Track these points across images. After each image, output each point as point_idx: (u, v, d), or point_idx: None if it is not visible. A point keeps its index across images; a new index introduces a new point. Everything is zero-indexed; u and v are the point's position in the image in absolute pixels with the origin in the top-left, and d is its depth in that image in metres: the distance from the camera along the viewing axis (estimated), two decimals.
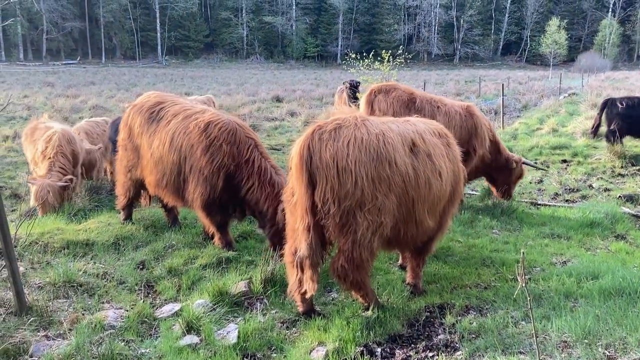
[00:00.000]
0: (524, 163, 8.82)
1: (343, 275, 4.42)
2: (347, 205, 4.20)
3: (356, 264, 4.38)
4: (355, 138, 4.20)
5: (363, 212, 4.23)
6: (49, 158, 7.91)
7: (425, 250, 5.28)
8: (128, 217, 7.29)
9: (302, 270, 4.40)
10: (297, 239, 4.40)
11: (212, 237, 6.44)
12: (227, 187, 5.92)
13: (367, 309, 4.74)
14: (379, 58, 15.25)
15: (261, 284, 5.24)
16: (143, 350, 4.19)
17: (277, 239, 5.77)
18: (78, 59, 79.42)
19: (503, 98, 19.34)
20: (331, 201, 4.18)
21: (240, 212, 6.25)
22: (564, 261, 6.22)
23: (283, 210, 5.60)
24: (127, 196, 7.10)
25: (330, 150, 4.16)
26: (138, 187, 6.98)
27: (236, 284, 5.17)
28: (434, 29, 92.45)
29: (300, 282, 4.42)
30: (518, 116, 21.84)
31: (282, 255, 5.72)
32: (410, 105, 7.92)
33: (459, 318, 4.62)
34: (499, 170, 8.58)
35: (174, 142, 6.06)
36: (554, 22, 66.42)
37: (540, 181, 11.07)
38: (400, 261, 5.96)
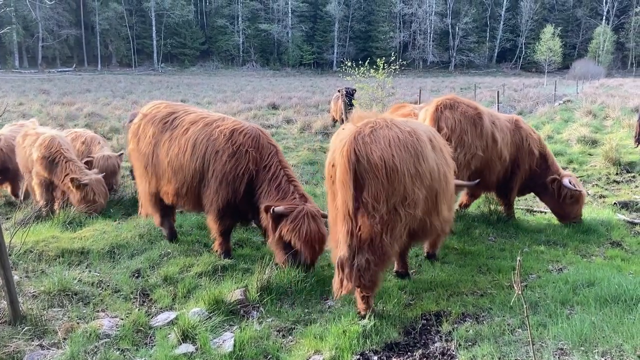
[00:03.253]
0: (562, 184, 7.74)
1: (364, 269, 4.51)
2: (393, 202, 4.46)
3: (382, 259, 4.60)
4: (393, 138, 4.48)
5: (404, 206, 4.51)
6: (63, 160, 8.09)
7: (436, 242, 5.91)
8: (172, 232, 6.91)
9: (343, 271, 4.56)
10: (339, 242, 4.58)
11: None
12: (246, 192, 5.97)
13: (364, 317, 4.73)
14: (374, 66, 15.25)
15: (257, 292, 5.22)
16: (138, 359, 4.17)
17: (274, 247, 5.79)
18: (74, 66, 79.39)
19: (498, 105, 19.41)
20: (383, 199, 4.41)
21: (256, 220, 6.21)
22: (560, 268, 6.22)
23: (270, 209, 5.61)
24: (157, 208, 6.81)
25: (377, 151, 4.39)
26: (158, 197, 6.69)
27: (232, 292, 5.15)
28: (430, 37, 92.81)
29: (342, 282, 4.58)
30: None
31: (277, 264, 5.76)
32: (477, 120, 7.26)
33: (456, 326, 4.61)
34: (545, 187, 7.97)
35: (197, 149, 6.04)
36: (548, 30, 66.73)
37: None
38: (395, 267, 5.96)
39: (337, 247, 4.73)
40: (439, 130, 7.04)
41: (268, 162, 5.96)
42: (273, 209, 5.57)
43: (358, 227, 4.51)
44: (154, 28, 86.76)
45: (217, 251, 6.35)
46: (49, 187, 8.32)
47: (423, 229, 4.97)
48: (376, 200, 4.42)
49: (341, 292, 4.63)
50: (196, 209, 6.52)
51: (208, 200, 6.10)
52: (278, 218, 5.59)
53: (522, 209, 9.02)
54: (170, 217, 6.91)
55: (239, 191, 5.95)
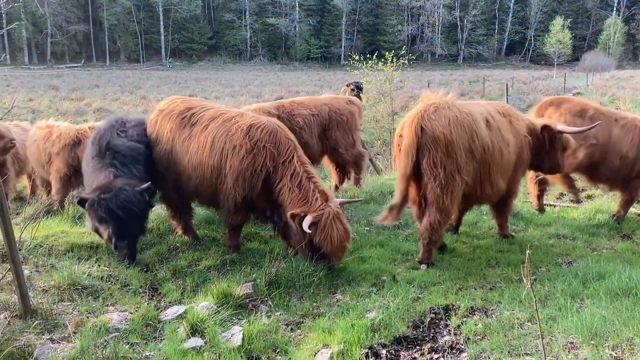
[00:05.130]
0: None
1: (435, 228, 5.74)
2: (450, 170, 5.56)
3: (446, 217, 5.83)
4: (452, 117, 5.53)
5: (460, 173, 5.60)
6: None
7: (505, 209, 6.88)
8: (195, 236, 6.82)
9: (389, 212, 5.92)
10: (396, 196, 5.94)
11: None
12: (263, 188, 5.94)
13: (427, 265, 5.90)
14: (382, 59, 15.12)
15: (265, 285, 5.23)
16: (147, 353, 4.19)
17: (302, 251, 5.73)
18: (82, 62, 79.71)
19: (507, 98, 19.29)
20: (441, 166, 5.52)
21: (278, 216, 6.17)
22: (570, 262, 6.19)
23: (296, 217, 5.58)
24: (177, 211, 6.75)
25: (439, 127, 5.48)
26: (180, 195, 6.61)
27: (240, 286, 5.17)
28: (438, 30, 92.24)
29: (385, 218, 5.98)
30: None
31: (285, 257, 5.75)
32: (583, 115, 7.56)
33: (464, 319, 4.59)
34: None
35: (215, 145, 5.99)
36: (558, 22, 66.18)
37: None
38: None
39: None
40: None
41: (286, 158, 5.90)
42: (303, 220, 5.49)
43: (419, 189, 5.84)
44: (161, 23, 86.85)
45: (227, 245, 6.36)
46: (68, 182, 8.28)
47: (473, 195, 6.08)
48: (435, 167, 5.52)
49: (382, 221, 6.04)
50: (214, 205, 6.45)
51: (224, 196, 6.07)
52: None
53: (530, 203, 8.96)
54: (190, 224, 6.87)
55: (256, 187, 5.92)
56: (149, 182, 5.69)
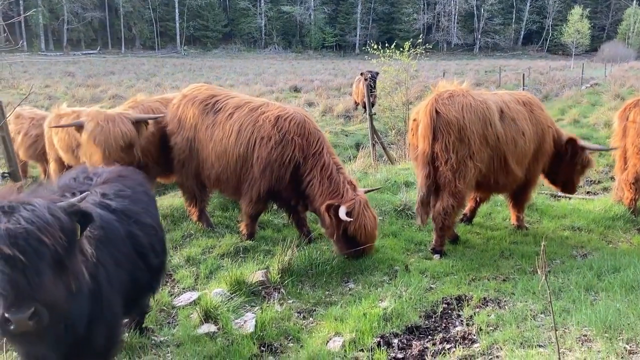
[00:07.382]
0: None
1: (444, 215, 5.76)
2: (462, 155, 5.58)
3: (460, 202, 5.85)
4: (466, 104, 5.59)
5: (472, 159, 5.62)
6: None
7: (522, 199, 6.83)
8: (208, 222, 6.86)
9: (422, 207, 5.88)
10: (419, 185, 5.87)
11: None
12: (291, 179, 5.93)
13: (438, 252, 5.94)
14: (400, 48, 14.95)
15: (278, 273, 5.26)
16: (161, 339, 4.25)
17: (337, 242, 5.75)
18: (98, 48, 80.00)
19: (524, 88, 19.03)
20: (453, 150, 5.54)
21: (302, 206, 6.20)
22: (585, 254, 6.13)
23: (331, 208, 5.59)
24: (194, 197, 6.73)
25: (452, 112, 5.53)
26: (199, 182, 6.64)
27: (254, 274, 5.20)
28: (454, 18, 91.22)
29: (421, 216, 5.93)
30: None
31: (298, 246, 5.77)
32: None
33: (477, 310, 4.59)
34: None
35: (242, 134, 5.97)
36: (576, 11, 65.07)
37: None
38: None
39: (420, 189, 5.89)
40: (626, 127, 7.32)
41: (316, 149, 5.87)
42: (338, 210, 5.49)
43: (435, 173, 5.73)
44: (176, 10, 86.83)
45: (242, 231, 6.40)
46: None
47: (486, 183, 6.09)
48: (447, 151, 5.56)
49: (420, 223, 6.04)
50: (236, 194, 6.42)
51: (249, 185, 6.06)
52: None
53: (546, 194, 8.88)
54: (205, 211, 6.89)
55: (284, 178, 5.91)
56: (86, 193, 2.96)
